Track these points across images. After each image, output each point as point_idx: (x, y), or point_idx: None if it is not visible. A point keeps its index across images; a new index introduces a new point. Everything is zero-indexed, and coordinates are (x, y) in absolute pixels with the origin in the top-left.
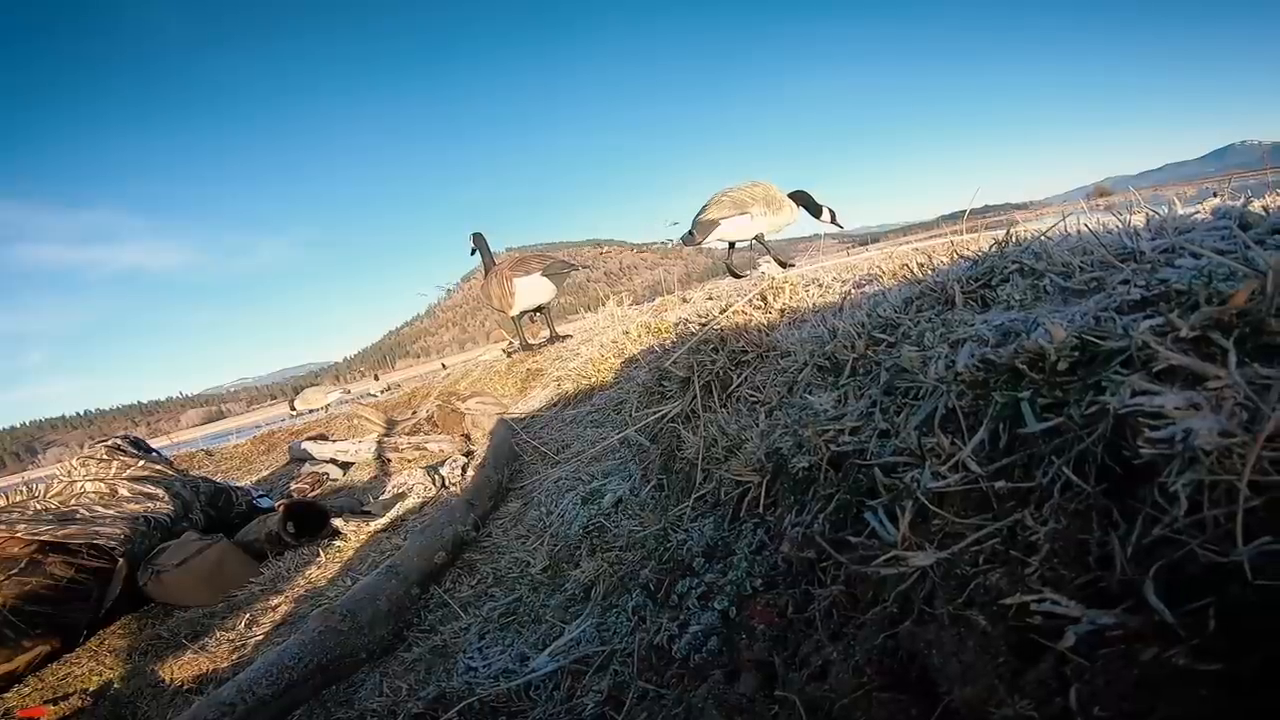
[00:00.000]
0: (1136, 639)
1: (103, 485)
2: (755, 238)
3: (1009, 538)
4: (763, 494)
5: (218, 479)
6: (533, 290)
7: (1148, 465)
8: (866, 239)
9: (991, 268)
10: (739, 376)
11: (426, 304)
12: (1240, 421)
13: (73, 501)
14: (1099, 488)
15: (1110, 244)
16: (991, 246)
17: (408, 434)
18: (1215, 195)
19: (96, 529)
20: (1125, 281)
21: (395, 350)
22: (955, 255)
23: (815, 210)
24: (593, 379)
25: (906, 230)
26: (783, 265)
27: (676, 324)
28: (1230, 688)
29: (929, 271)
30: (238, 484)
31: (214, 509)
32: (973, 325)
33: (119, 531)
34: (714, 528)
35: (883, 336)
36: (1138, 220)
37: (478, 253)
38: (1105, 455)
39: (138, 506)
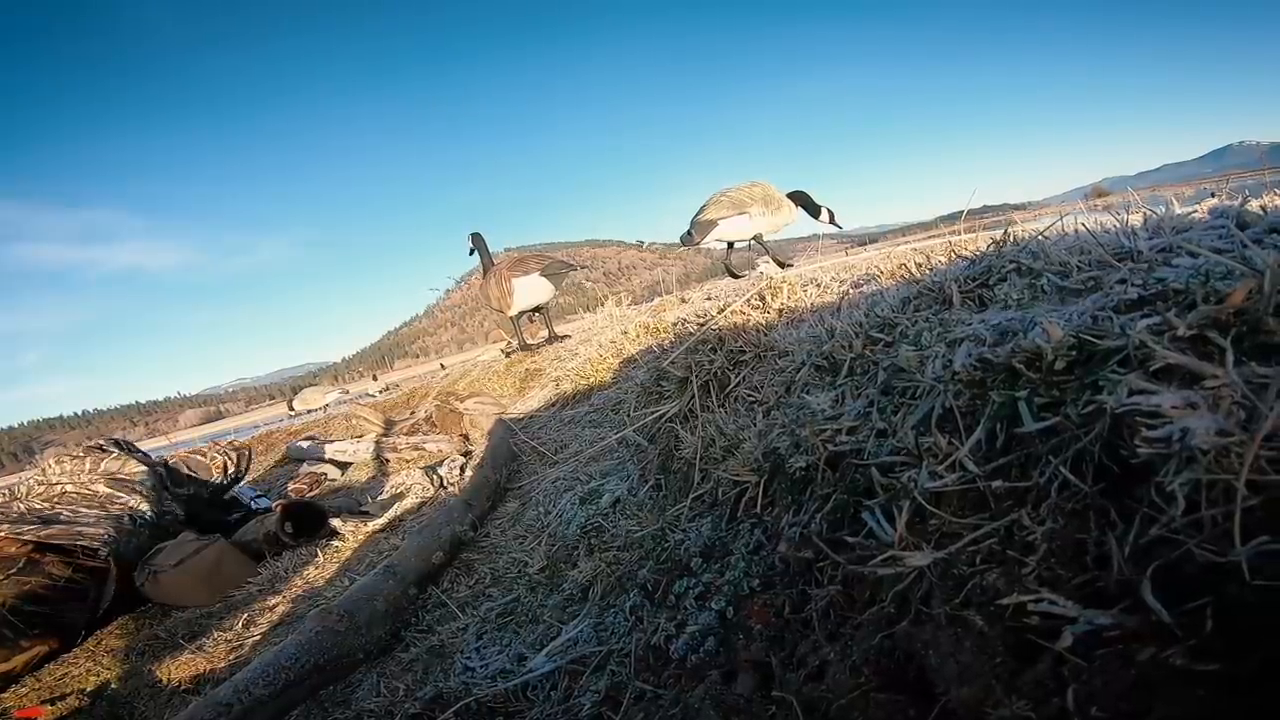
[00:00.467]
0: (1134, 639)
1: (83, 485)
2: (754, 238)
3: (1006, 537)
4: (760, 494)
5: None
6: (531, 290)
7: (1145, 465)
8: (865, 239)
9: (989, 267)
10: (737, 376)
11: (425, 304)
12: (1238, 421)
13: (55, 502)
14: (1096, 487)
15: (1107, 243)
16: (989, 246)
17: (406, 434)
18: (1213, 195)
19: (80, 529)
20: (1122, 281)
21: (394, 350)
22: (953, 255)
23: (814, 210)
24: (591, 379)
25: (905, 231)
26: (781, 265)
27: (675, 324)
28: (1228, 688)
29: (927, 271)
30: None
31: (182, 487)
32: (970, 325)
33: (102, 531)
34: (711, 528)
35: (880, 336)
36: (1135, 220)
37: (476, 253)
38: (1102, 455)
39: (120, 505)
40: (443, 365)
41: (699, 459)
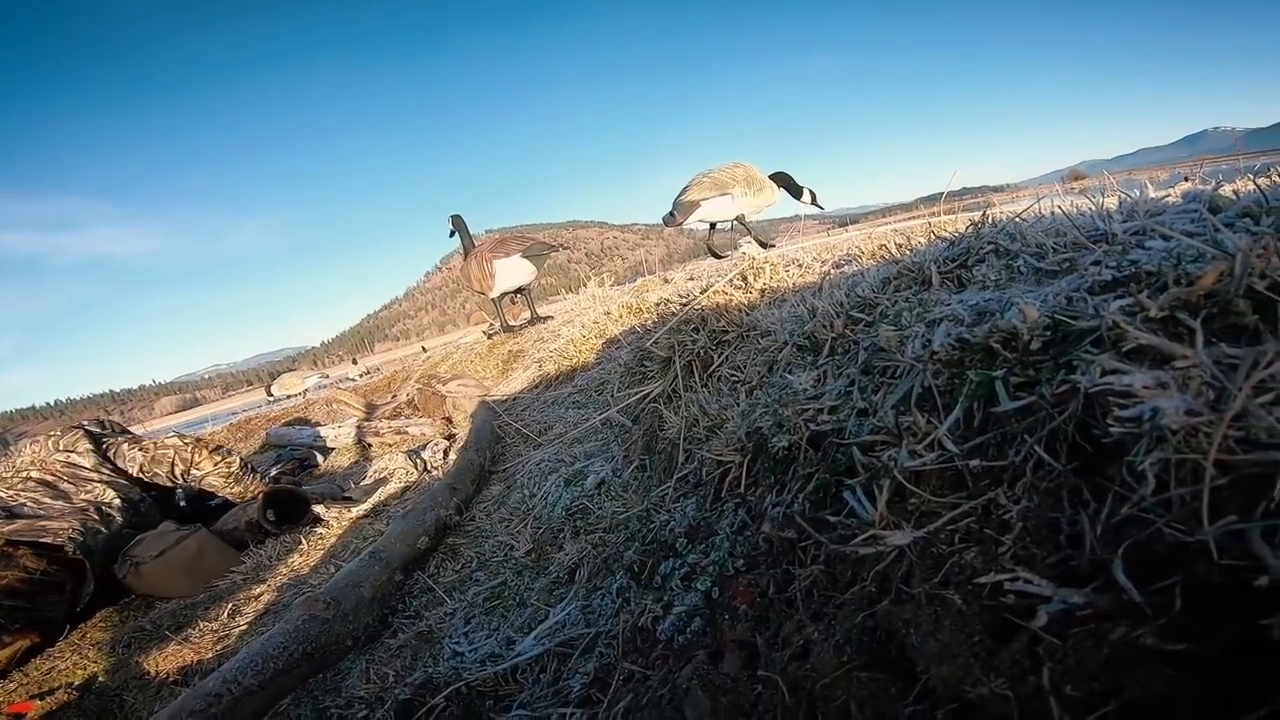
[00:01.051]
0: (1106, 618)
1: (48, 473)
2: (736, 219)
3: (983, 516)
4: (744, 474)
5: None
6: (513, 272)
7: (1117, 444)
8: (846, 220)
9: (968, 248)
10: (720, 356)
11: (405, 287)
12: (1207, 401)
13: (19, 491)
14: (1070, 466)
15: (1083, 226)
16: (968, 228)
17: (388, 418)
18: (1186, 180)
19: (43, 524)
20: (1097, 262)
21: (374, 334)
22: (933, 236)
23: (796, 191)
24: (574, 360)
25: (886, 212)
26: (763, 246)
27: (658, 304)
28: (1196, 667)
29: (907, 252)
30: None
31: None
32: (949, 305)
33: (66, 525)
34: (696, 508)
35: (861, 316)
36: (1110, 203)
37: (457, 235)
38: (1076, 434)
39: (88, 496)
40: (424, 348)
41: (683, 439)
